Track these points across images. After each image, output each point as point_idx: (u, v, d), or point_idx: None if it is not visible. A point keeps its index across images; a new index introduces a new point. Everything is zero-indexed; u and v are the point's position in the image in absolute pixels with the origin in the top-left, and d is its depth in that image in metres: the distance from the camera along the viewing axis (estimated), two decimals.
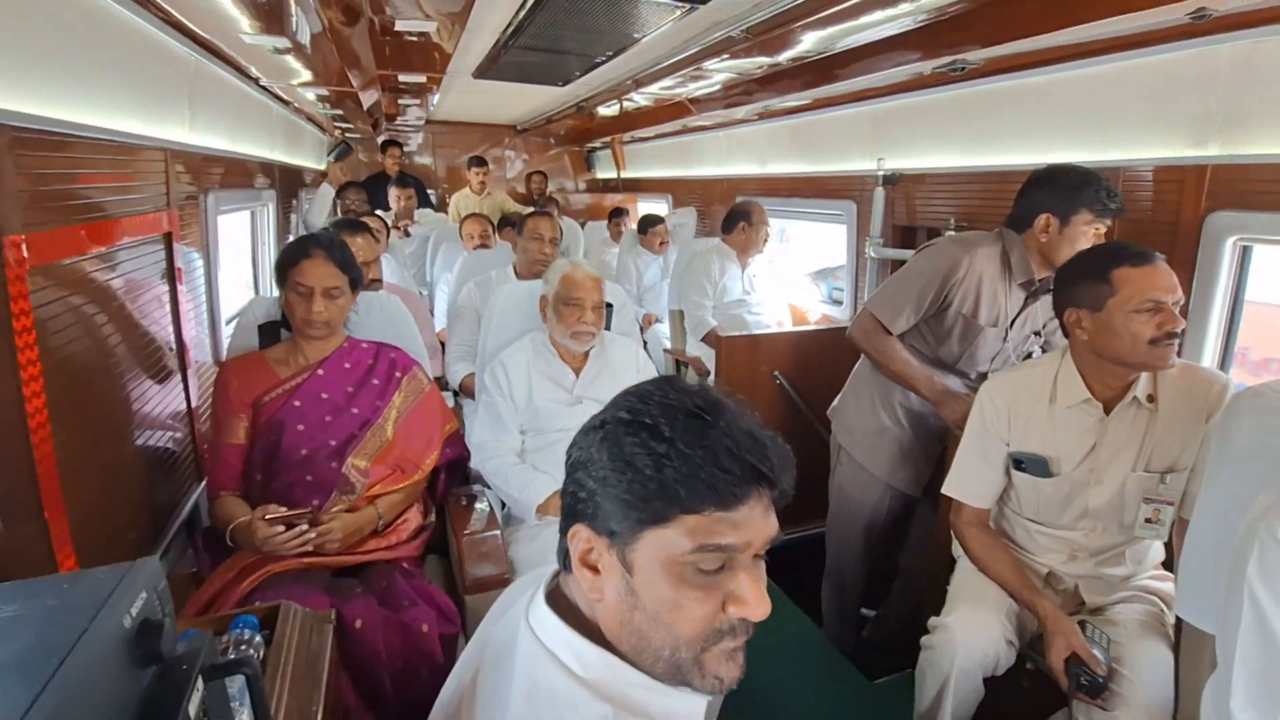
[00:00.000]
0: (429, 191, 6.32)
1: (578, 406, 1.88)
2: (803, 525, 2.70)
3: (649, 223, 4.39)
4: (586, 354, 1.94)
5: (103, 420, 1.55)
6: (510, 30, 2.54)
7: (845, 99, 2.92)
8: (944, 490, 1.68)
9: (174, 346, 1.96)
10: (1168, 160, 1.84)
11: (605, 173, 6.92)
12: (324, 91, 3.00)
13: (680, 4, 2.05)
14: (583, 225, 5.54)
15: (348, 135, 5.63)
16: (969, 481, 1.64)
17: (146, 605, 0.55)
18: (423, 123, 5.78)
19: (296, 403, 1.66)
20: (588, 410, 1.87)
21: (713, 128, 4.23)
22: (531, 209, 4.92)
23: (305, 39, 2.04)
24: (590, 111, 4.31)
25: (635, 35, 2.52)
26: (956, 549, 1.76)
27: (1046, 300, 1.87)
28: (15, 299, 1.09)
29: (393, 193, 4.85)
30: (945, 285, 1.85)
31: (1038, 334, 1.94)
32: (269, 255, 3.50)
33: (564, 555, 0.72)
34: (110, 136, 1.53)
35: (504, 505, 1.90)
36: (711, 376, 3.23)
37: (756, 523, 0.65)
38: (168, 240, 1.88)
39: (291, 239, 3.54)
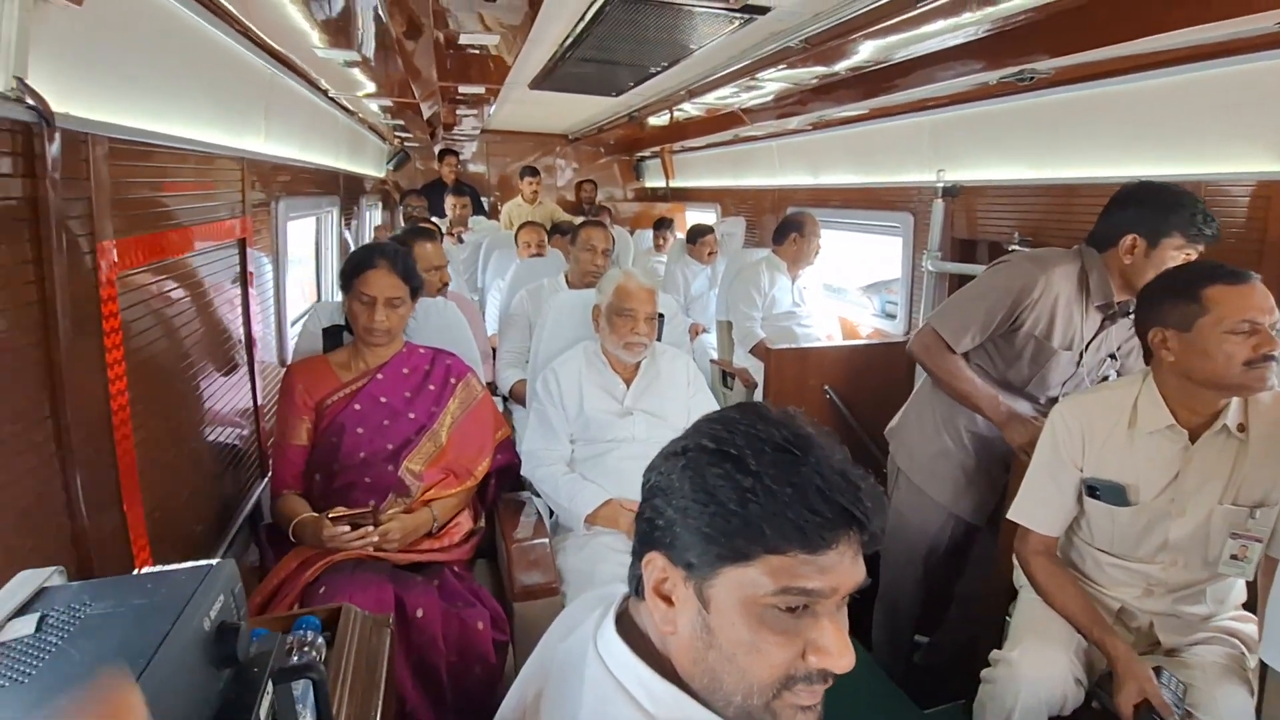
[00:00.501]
0: (482, 199, 6.46)
1: (628, 418, 1.87)
2: None
3: (698, 232, 4.38)
4: (638, 365, 1.93)
5: (177, 417, 1.62)
6: (569, 42, 2.58)
7: (903, 109, 2.86)
8: (1010, 515, 1.61)
9: (244, 347, 2.04)
10: (1254, 175, 1.74)
11: (654, 182, 6.94)
12: (387, 102, 3.10)
13: (738, 15, 2.04)
14: (631, 234, 5.57)
15: (406, 144, 5.80)
16: (1037, 507, 1.56)
17: (224, 608, 0.57)
18: (478, 132, 5.91)
19: (357, 406, 1.71)
20: (638, 421, 1.89)
21: (764, 137, 4.20)
22: (584, 218, 5.00)
23: (372, 52, 2.11)
24: (641, 121, 4.34)
25: (691, 46, 2.52)
26: (1019, 577, 1.68)
27: (1124, 322, 1.78)
28: (106, 301, 1.15)
29: (449, 200, 4.97)
30: (1018, 306, 1.77)
31: (1113, 357, 1.84)
32: (332, 260, 3.63)
33: (636, 581, 0.70)
34: (194, 147, 1.61)
35: (552, 513, 1.91)
36: (759, 388, 3.19)
37: (844, 568, 0.61)
38: (241, 245, 1.97)
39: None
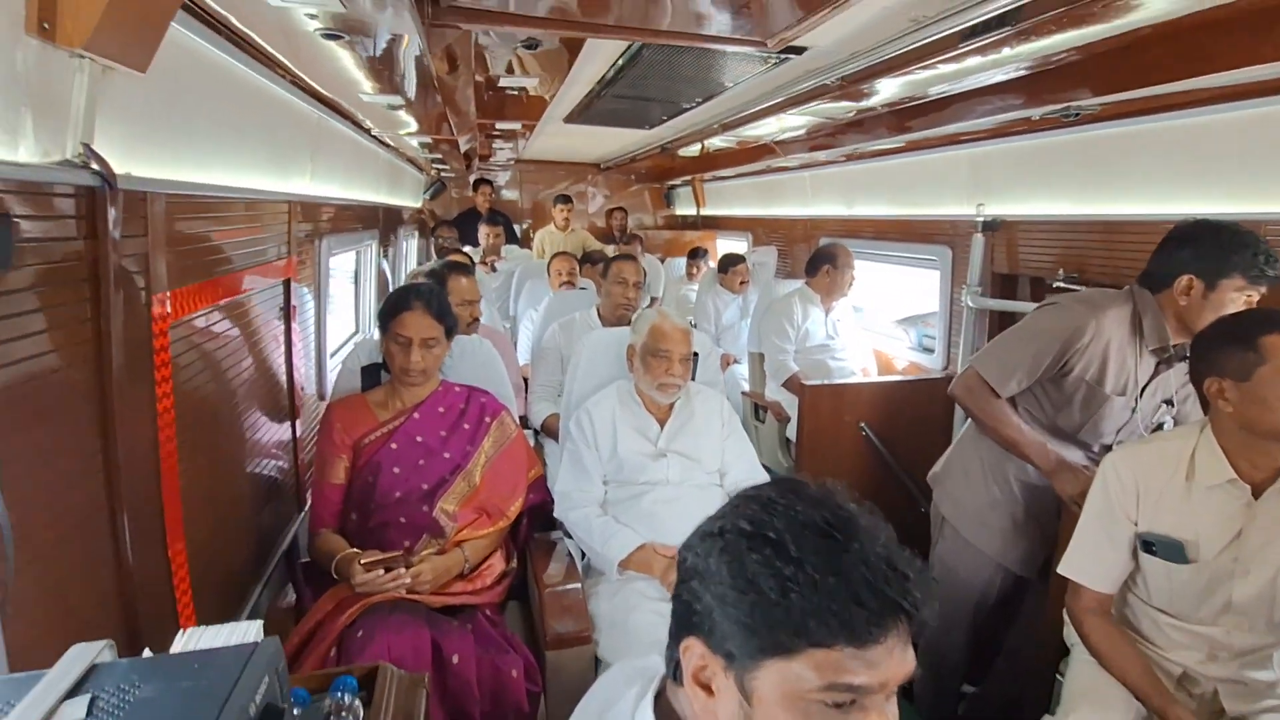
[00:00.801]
0: (514, 226, 6.56)
1: (662, 460, 1.85)
2: None
3: (729, 262, 4.37)
4: (672, 405, 1.92)
5: (220, 454, 1.65)
6: (604, 79, 2.62)
7: (940, 142, 2.83)
8: (1060, 570, 1.54)
9: (285, 381, 2.08)
10: None
11: (685, 209, 6.98)
12: (427, 139, 3.18)
13: (773, 55, 2.04)
14: (662, 262, 5.58)
15: (442, 174, 5.94)
16: (1089, 562, 1.49)
17: (269, 690, 0.57)
18: (512, 162, 6.03)
19: (393, 445, 1.72)
20: (672, 464, 1.87)
21: (796, 168, 4.20)
22: (615, 250, 5.04)
23: (414, 95, 2.17)
24: (673, 152, 4.38)
25: (726, 84, 2.54)
26: (1070, 634, 1.61)
27: (1180, 366, 1.71)
28: (158, 351, 1.19)
29: (482, 230, 5.05)
30: (1067, 350, 1.71)
31: (1169, 403, 1.76)
32: (370, 291, 3.71)
33: (674, 666, 0.67)
34: (245, 194, 1.66)
35: (584, 554, 1.89)
36: (792, 423, 3.14)
37: (893, 662, 0.59)
38: (286, 284, 2.02)
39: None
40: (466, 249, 4.94)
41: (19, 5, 0.79)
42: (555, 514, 1.91)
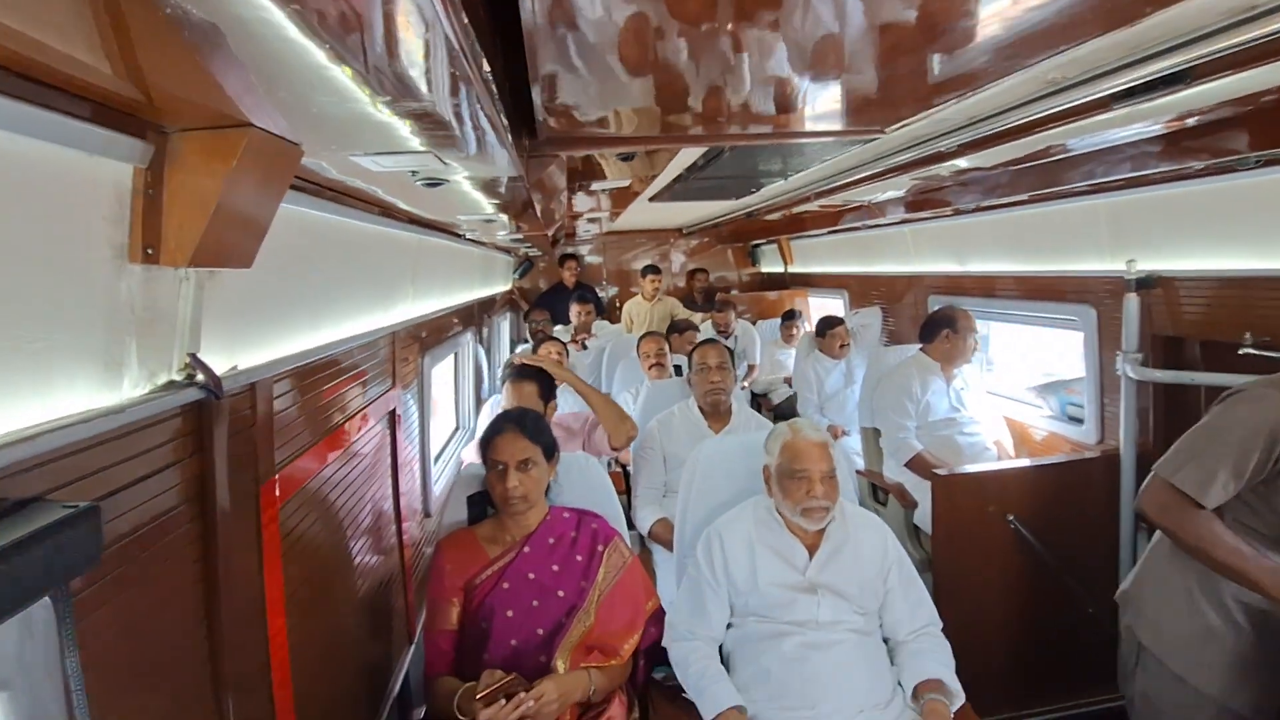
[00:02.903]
0: (600, 296, 6.59)
1: (812, 597, 1.61)
2: (1067, 699, 2.22)
3: (827, 325, 4.13)
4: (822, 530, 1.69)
5: (329, 599, 1.60)
6: (694, 166, 2.55)
7: (1071, 192, 2.54)
8: None
9: (392, 511, 2.04)
10: None
11: (771, 267, 6.76)
12: (519, 235, 3.20)
13: (872, 134, 1.88)
14: (754, 324, 5.40)
15: (529, 254, 6.09)
16: None
17: None
18: (597, 235, 6.10)
19: (505, 585, 1.62)
20: (824, 603, 1.60)
21: (896, 223, 3.95)
22: (704, 317, 4.92)
23: (509, 207, 2.16)
24: (759, 217, 4.25)
25: (823, 158, 2.40)
26: None
27: None
28: (268, 539, 1.13)
29: (573, 309, 5.08)
30: (1277, 441, 1.41)
31: None
32: (469, 387, 3.74)
33: None
34: (349, 343, 1.64)
35: None
36: (922, 506, 2.83)
37: None
38: (391, 416, 1.99)
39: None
40: (558, 328, 4.97)
41: (122, 237, 0.75)
42: (663, 642, 1.70)
